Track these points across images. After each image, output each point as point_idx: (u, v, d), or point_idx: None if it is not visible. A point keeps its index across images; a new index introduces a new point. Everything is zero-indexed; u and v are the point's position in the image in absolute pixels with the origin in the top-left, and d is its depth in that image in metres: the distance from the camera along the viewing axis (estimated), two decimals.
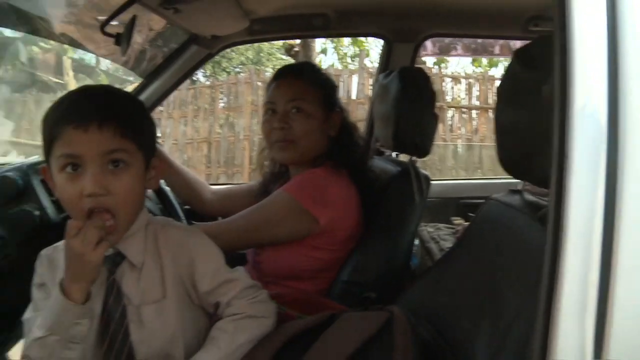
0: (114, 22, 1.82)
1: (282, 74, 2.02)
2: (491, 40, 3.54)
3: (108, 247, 1.17)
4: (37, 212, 1.83)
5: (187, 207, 2.34)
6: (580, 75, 0.76)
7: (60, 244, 1.32)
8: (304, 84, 1.92)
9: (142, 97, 2.51)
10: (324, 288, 1.86)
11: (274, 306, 1.35)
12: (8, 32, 9.95)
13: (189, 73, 2.57)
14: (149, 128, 1.29)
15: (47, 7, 2.34)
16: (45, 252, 1.35)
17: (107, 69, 9.88)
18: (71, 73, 9.33)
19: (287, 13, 2.35)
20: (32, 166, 1.95)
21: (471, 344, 1.24)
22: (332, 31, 2.47)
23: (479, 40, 3.73)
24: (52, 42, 9.41)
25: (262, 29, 2.41)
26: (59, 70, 9.43)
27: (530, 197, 1.34)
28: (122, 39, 1.78)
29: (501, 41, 3.43)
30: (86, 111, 1.16)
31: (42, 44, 9.60)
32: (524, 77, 1.19)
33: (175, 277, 1.28)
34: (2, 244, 1.77)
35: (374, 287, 1.79)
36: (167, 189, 2.21)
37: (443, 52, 4.01)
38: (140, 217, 1.29)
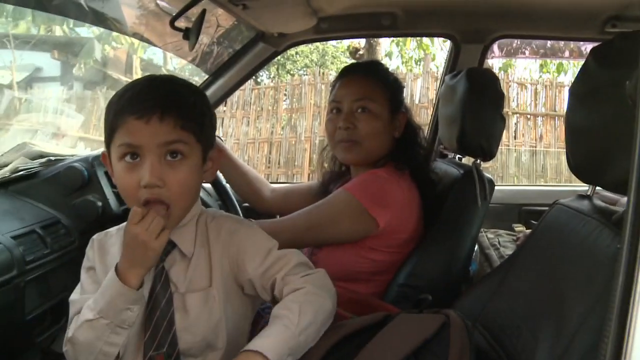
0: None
1: (349, 72, 1.99)
2: (561, 44, 3.40)
3: (168, 235, 1.19)
4: (99, 203, 1.89)
5: (246, 204, 2.35)
6: None
7: (112, 229, 1.36)
8: (371, 83, 1.89)
9: (208, 93, 2.54)
10: (380, 291, 1.83)
11: (332, 287, 1.27)
12: (84, 32, 10.39)
13: (254, 70, 2.59)
14: (209, 120, 1.28)
15: (120, 8, 2.41)
16: (97, 237, 1.37)
17: (174, 69, 10.16)
18: (140, 72, 9.62)
19: (355, 12, 2.33)
20: (97, 158, 2.00)
21: (531, 352, 1.19)
22: (400, 31, 2.43)
23: (548, 45, 3.60)
24: (123, 42, 9.77)
25: (329, 28, 2.40)
26: (129, 69, 9.74)
27: (600, 203, 1.28)
28: (190, 34, 1.80)
29: (571, 44, 3.30)
30: (149, 102, 1.16)
31: (114, 43, 9.96)
32: (601, 76, 1.14)
33: (224, 267, 1.27)
34: (66, 233, 1.82)
35: (431, 292, 1.74)
36: (227, 185, 2.23)
37: (510, 55, 3.88)
38: (194, 208, 1.30)
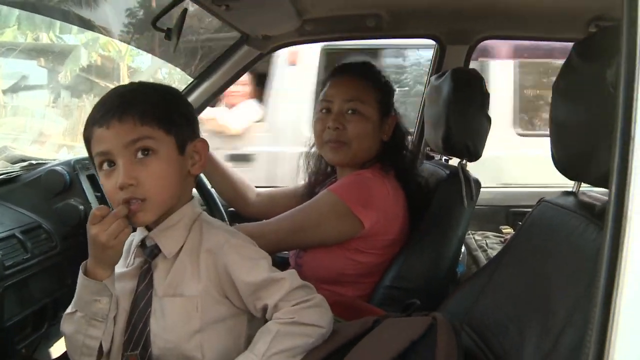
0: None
1: (341, 71, 1.96)
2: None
3: (129, 234, 1.21)
4: (81, 207, 1.85)
5: (231, 209, 2.32)
6: None
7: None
8: (363, 85, 1.86)
9: (192, 97, 2.52)
10: (367, 294, 1.81)
11: (329, 314, 1.24)
12: (71, 40, 10.35)
13: (239, 73, 2.56)
14: (181, 112, 1.27)
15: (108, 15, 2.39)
16: None
17: (164, 77, 10.13)
18: (127, 79, 9.60)
19: (339, 13, 2.32)
20: (79, 161, 1.97)
21: (518, 352, 1.18)
22: (385, 32, 2.42)
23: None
24: (110, 49, 9.74)
25: (314, 30, 2.38)
26: (116, 77, 9.72)
27: (585, 199, 1.27)
28: (172, 34, 1.78)
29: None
30: (108, 108, 1.19)
31: (101, 51, 9.92)
32: (584, 70, 1.13)
33: (212, 278, 1.24)
34: (47, 238, 1.79)
35: (418, 294, 1.72)
36: (212, 190, 2.20)
37: (491, 57, 3.91)
38: (183, 208, 1.28)
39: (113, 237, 1.16)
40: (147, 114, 1.19)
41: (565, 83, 1.22)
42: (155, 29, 1.79)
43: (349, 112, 1.83)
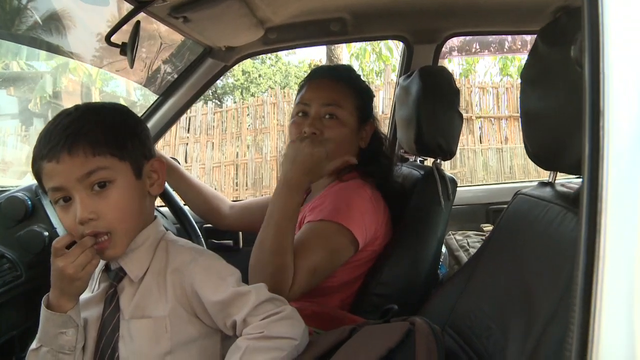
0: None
1: (319, 74, 1.89)
2: (518, 44, 3.43)
3: (97, 264, 1.18)
4: (46, 233, 1.78)
5: (207, 225, 2.26)
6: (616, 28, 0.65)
7: None
8: (342, 89, 1.79)
9: (158, 114, 2.47)
10: (349, 302, 1.75)
11: (301, 325, 1.19)
12: (42, 67, 10.24)
13: (205, 87, 2.51)
14: (135, 134, 1.23)
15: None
16: None
17: (137, 100, 10.06)
18: None
19: (303, 20, 2.27)
20: None
21: (502, 352, 1.13)
22: (351, 36, 2.38)
23: (507, 46, 3.63)
24: (81, 74, 9.65)
25: (278, 38, 2.33)
26: (88, 101, 9.63)
27: (562, 188, 1.23)
28: (127, 48, 1.72)
29: (529, 42, 3.32)
30: (55, 141, 1.14)
31: (71, 76, 9.83)
32: (551, 56, 1.11)
33: (180, 298, 1.20)
34: (11, 267, 1.72)
35: (401, 298, 1.68)
36: (186, 208, 2.14)
37: (468, 54, 3.92)
38: (146, 230, 1.25)
39: (81, 268, 1.14)
40: (98, 144, 1.15)
41: (533, 71, 1.19)
42: (110, 44, 1.74)
43: (327, 116, 1.76)
